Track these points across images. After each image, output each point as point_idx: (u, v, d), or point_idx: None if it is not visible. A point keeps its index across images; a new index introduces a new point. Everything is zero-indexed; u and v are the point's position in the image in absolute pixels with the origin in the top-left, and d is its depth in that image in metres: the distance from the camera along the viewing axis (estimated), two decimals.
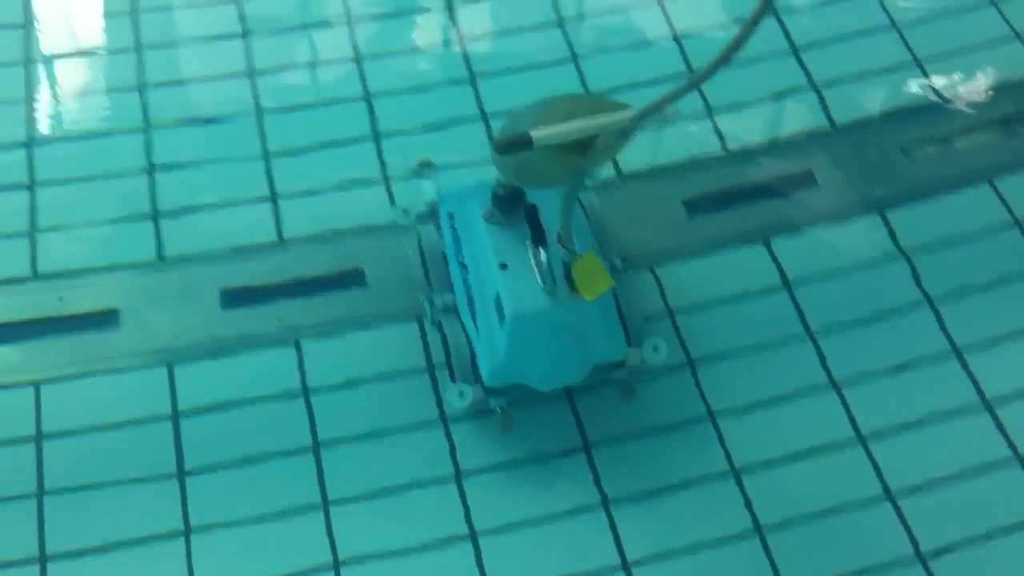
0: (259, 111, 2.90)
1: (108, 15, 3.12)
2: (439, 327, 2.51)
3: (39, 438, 2.36)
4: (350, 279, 2.64)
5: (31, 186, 2.74)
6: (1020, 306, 2.55)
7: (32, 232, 2.66)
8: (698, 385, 2.45)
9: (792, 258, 2.62)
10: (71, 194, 2.74)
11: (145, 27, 3.06)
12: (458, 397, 2.40)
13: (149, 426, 2.40)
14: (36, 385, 2.43)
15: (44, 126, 2.86)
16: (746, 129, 2.86)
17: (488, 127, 2.83)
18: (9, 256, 2.61)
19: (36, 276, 2.60)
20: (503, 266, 2.32)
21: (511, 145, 2.01)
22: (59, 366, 2.46)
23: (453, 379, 2.44)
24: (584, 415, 2.43)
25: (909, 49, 2.98)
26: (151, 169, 2.78)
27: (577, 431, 2.41)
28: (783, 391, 2.43)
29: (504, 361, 2.32)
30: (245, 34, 3.05)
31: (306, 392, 2.46)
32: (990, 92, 2.91)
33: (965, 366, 2.46)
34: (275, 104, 2.92)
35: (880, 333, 2.51)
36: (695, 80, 1.84)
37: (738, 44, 1.70)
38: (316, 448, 2.38)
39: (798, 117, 2.87)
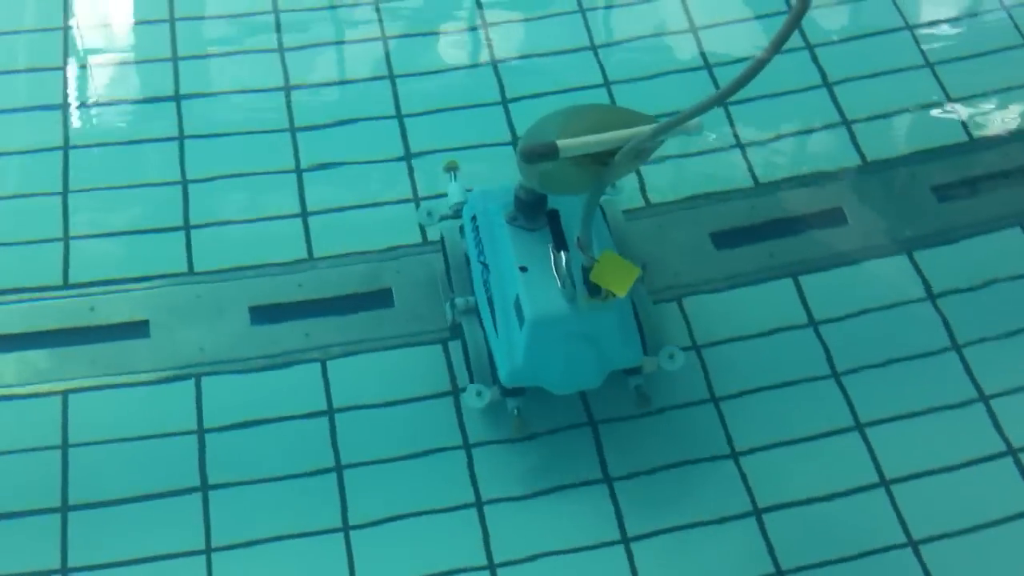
0: (292, 126, 2.93)
1: (143, 23, 3.17)
2: (459, 329, 2.52)
3: (65, 447, 2.38)
4: (378, 299, 2.66)
5: (64, 193, 2.76)
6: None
7: (65, 239, 2.68)
8: (722, 421, 2.46)
9: (819, 295, 2.63)
10: (104, 202, 2.77)
11: (181, 37, 3.10)
12: (475, 397, 2.41)
13: (174, 440, 2.42)
14: (64, 394, 2.46)
15: (80, 132, 2.88)
16: (777, 163, 2.87)
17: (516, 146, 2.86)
18: (42, 263, 2.64)
19: (67, 284, 2.62)
20: (523, 269, 2.33)
21: (537, 154, 2.06)
22: (88, 376, 2.49)
23: (471, 379, 2.44)
24: (607, 449, 2.44)
25: (942, 87, 2.99)
26: (184, 180, 2.80)
27: (599, 465, 2.42)
28: (807, 431, 2.43)
29: (522, 364, 2.32)
30: (280, 49, 3.09)
31: (331, 411, 2.48)
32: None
33: (991, 413, 2.45)
34: (308, 121, 2.94)
35: (906, 376, 2.51)
36: (717, 97, 1.87)
37: (760, 66, 1.74)
38: (339, 469, 2.39)
39: (829, 152, 2.88)
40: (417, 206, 2.77)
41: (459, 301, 2.51)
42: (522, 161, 2.11)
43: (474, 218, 2.50)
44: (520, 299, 2.30)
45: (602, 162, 2.08)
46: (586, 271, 2.21)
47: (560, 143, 2.04)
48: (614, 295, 2.20)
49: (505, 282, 2.37)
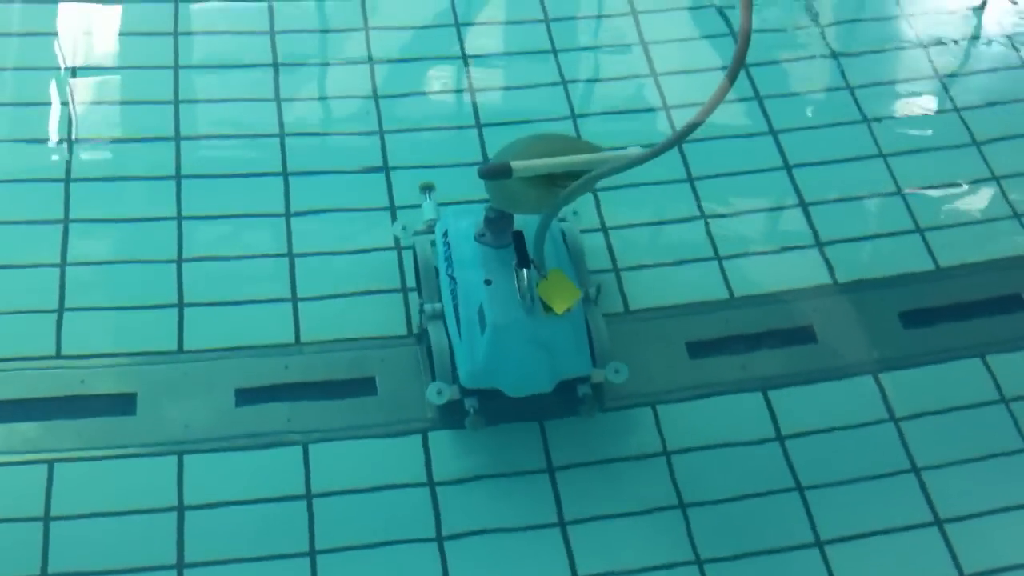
0: (288, 211, 3.03)
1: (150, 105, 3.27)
2: (424, 333, 2.73)
3: (47, 518, 2.43)
4: (362, 386, 2.73)
5: (62, 265, 2.83)
6: (1002, 482, 2.64)
7: (60, 311, 2.75)
8: (688, 530, 2.53)
9: (787, 410, 2.72)
10: (100, 276, 2.84)
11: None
12: (436, 395, 2.62)
13: (154, 516, 2.47)
14: (50, 464, 2.51)
15: (79, 206, 2.95)
16: (752, 277, 2.97)
17: None
18: (36, 333, 2.71)
19: (60, 355, 2.68)
20: (488, 282, 2.58)
21: (492, 172, 2.36)
22: (74, 447, 2.55)
23: (433, 378, 2.64)
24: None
25: (912, 216, 3.12)
26: (180, 259, 2.88)
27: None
28: (769, 544, 2.50)
29: (482, 366, 2.55)
30: (281, 134, 3.20)
31: (309, 496, 2.53)
32: (991, 267, 3.04)
33: (945, 537, 2.54)
34: (303, 207, 3.04)
35: (866, 495, 2.59)
36: (657, 149, 2.19)
37: (695, 125, 2.11)
38: (312, 553, 2.44)
39: (802, 271, 2.99)
40: (405, 298, 2.86)
41: (427, 307, 2.70)
42: (480, 178, 2.40)
43: (445, 234, 2.73)
44: (483, 308, 2.54)
45: (552, 185, 2.37)
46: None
47: (514, 164, 2.34)
48: (568, 310, 2.45)
49: (471, 293, 2.60)
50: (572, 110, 3.34)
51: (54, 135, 3.13)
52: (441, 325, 2.68)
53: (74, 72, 3.29)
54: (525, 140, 2.51)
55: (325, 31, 3.55)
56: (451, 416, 2.64)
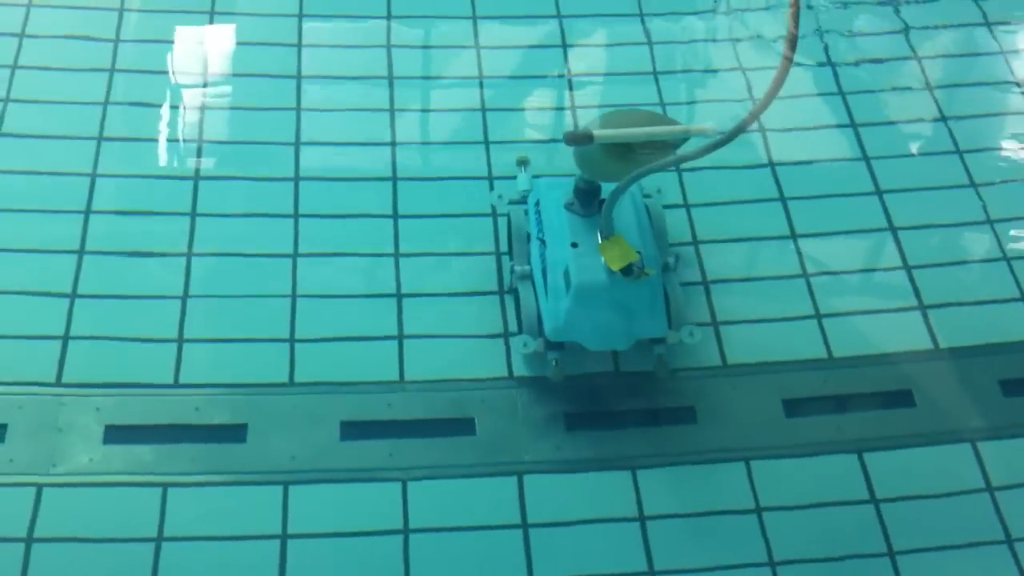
0: (397, 251, 3.13)
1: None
2: (514, 291, 2.99)
3: (159, 540, 2.55)
4: (461, 427, 2.81)
5: (184, 297, 2.97)
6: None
7: (180, 342, 2.89)
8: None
9: (882, 474, 2.72)
10: (220, 308, 2.97)
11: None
12: (523, 346, 2.89)
13: (259, 543, 2.58)
14: (164, 487, 2.64)
15: (203, 243, 3.09)
16: (851, 338, 2.98)
17: None
18: (157, 363, 2.84)
19: (178, 383, 2.82)
20: (574, 245, 2.82)
21: (576, 139, 2.63)
22: (187, 472, 2.66)
23: (520, 331, 2.91)
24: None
25: (1018, 284, 3.10)
26: (294, 295, 3.01)
27: None
28: None
29: (565, 322, 2.79)
30: (393, 177, 3.32)
31: (406, 531, 2.62)
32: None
33: None
34: (412, 248, 3.14)
35: (958, 563, 2.58)
36: (736, 131, 2.39)
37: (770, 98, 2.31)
38: None
39: (903, 334, 2.99)
40: (506, 343, 2.94)
41: (518, 268, 2.96)
42: (565, 144, 2.67)
43: (537, 203, 2.99)
44: (569, 269, 2.78)
45: (634, 155, 2.61)
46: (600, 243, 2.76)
47: (595, 132, 2.60)
48: (645, 274, 2.70)
49: (558, 255, 2.84)
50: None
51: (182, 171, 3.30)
52: (529, 285, 2.93)
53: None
54: (610, 113, 2.79)
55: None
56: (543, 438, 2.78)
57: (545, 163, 3.30)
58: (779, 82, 2.29)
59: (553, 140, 3.44)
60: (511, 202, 3.11)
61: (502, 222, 3.17)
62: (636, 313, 2.78)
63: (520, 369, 2.90)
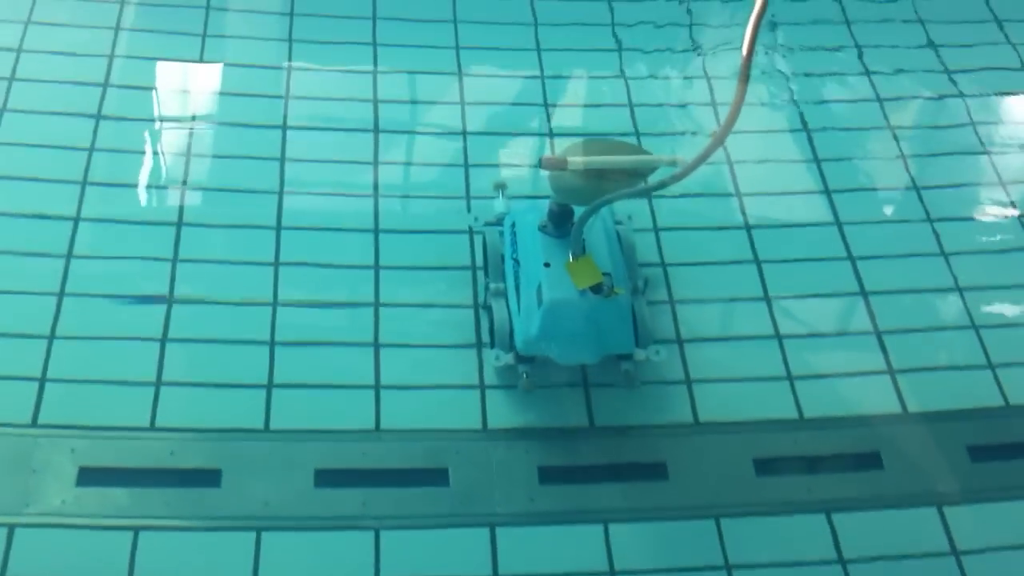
0: (377, 301, 3.17)
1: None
2: (488, 308, 3.10)
3: None
4: (435, 477, 2.83)
5: (163, 341, 2.99)
6: None
7: (157, 385, 2.90)
8: None
9: (850, 535, 2.75)
10: (198, 353, 2.98)
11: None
12: (495, 359, 3.02)
13: None
14: (136, 530, 2.63)
15: (185, 287, 3.12)
16: (821, 400, 3.03)
17: None
18: (133, 406, 2.85)
19: (154, 427, 2.83)
20: (547, 264, 2.96)
21: (551, 164, 2.80)
22: (160, 516, 2.66)
23: (493, 346, 3.04)
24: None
25: (985, 352, 3.16)
26: (272, 342, 3.03)
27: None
28: None
29: (536, 336, 2.93)
30: (377, 231, 3.36)
31: None
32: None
33: None
34: (391, 299, 3.17)
35: None
36: (695, 162, 2.54)
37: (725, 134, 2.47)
38: None
39: (872, 397, 3.04)
40: (482, 396, 2.97)
41: (492, 286, 3.12)
42: (541, 168, 2.83)
43: (513, 224, 3.15)
44: (542, 286, 2.92)
45: (606, 181, 2.76)
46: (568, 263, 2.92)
47: (569, 158, 2.77)
48: (615, 293, 2.85)
49: (531, 274, 2.99)
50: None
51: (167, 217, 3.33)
52: (503, 302, 3.08)
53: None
54: (586, 141, 2.93)
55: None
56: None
57: (524, 188, 3.46)
58: (735, 111, 2.43)
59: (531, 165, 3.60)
60: (487, 223, 3.26)
61: (480, 276, 3.22)
62: (605, 330, 2.93)
63: (495, 422, 2.93)
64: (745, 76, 2.37)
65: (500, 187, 3.35)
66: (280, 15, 3.97)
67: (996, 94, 3.98)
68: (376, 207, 3.40)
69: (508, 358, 3.00)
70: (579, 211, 2.88)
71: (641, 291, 3.11)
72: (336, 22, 3.99)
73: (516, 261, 3.06)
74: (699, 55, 4.00)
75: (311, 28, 3.93)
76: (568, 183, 2.82)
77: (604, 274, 2.87)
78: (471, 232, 3.23)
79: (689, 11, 4.16)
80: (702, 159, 2.53)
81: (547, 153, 3.58)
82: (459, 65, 3.87)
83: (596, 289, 2.84)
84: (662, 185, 2.63)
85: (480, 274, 3.21)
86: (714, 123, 3.72)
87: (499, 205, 3.30)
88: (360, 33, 3.96)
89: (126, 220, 3.28)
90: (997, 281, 3.36)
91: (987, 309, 3.27)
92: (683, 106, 3.84)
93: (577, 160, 2.76)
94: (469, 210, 3.40)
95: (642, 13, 4.14)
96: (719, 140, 2.50)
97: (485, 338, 3.10)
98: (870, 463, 2.91)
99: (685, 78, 3.93)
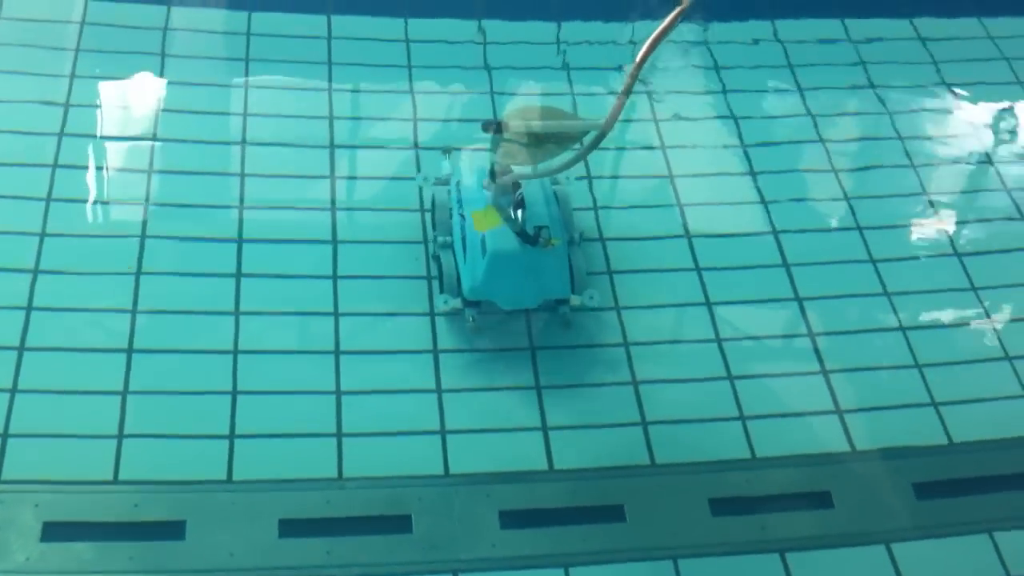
0: (337, 349, 3.21)
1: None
2: (437, 259, 3.40)
3: None
4: (398, 524, 2.86)
5: (124, 393, 3.00)
6: None
7: (119, 437, 2.91)
8: None
9: (804, 574, 2.83)
10: (159, 405, 3.00)
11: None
12: (443, 304, 3.30)
13: None
14: None
15: (144, 338, 3.14)
16: (774, 439, 3.11)
17: None
18: (96, 459, 2.86)
19: (117, 480, 2.84)
20: None
21: (491, 127, 3.09)
22: (125, 571, 2.67)
23: (441, 291, 3.32)
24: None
25: (928, 391, 3.26)
26: (234, 391, 3.05)
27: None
28: None
29: (481, 283, 3.23)
30: (334, 276, 3.40)
31: None
32: (1001, 445, 3.16)
33: None
34: (352, 346, 3.22)
35: None
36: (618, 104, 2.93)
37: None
38: None
39: (822, 437, 3.13)
40: (443, 440, 3.02)
41: (440, 239, 3.42)
42: (481, 131, 3.12)
43: (458, 182, 3.46)
44: (485, 239, 3.21)
45: (541, 144, 3.03)
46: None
47: (508, 122, 3.05)
48: (551, 244, 3.14)
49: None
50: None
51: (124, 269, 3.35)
52: (450, 252, 3.38)
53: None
54: (526, 106, 3.29)
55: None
56: None
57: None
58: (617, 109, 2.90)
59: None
60: (435, 183, 3.59)
61: (440, 320, 3.29)
62: (544, 277, 3.25)
63: (457, 467, 2.98)
64: (628, 88, 2.86)
65: (447, 151, 3.67)
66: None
67: (922, 110, 4.20)
68: (335, 256, 3.46)
69: (456, 302, 3.29)
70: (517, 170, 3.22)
71: (576, 243, 3.42)
72: (292, 41, 4.15)
73: (462, 216, 3.34)
74: (647, 94, 4.12)
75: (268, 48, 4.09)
76: (507, 145, 3.09)
77: (542, 227, 3.16)
78: (439, 388, 3.19)
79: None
80: (612, 120, 2.94)
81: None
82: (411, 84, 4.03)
83: (533, 240, 3.14)
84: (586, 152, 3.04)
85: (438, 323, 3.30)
86: (663, 165, 3.86)
87: (446, 167, 3.62)
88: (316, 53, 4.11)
89: (83, 272, 3.28)
90: (940, 320, 3.48)
91: (928, 349, 3.38)
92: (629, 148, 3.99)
93: (514, 124, 3.05)
94: (419, 170, 3.72)
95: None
96: (608, 125, 2.92)
97: (446, 383, 3.16)
98: (821, 502, 2.99)
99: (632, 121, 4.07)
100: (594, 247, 3.55)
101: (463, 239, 3.32)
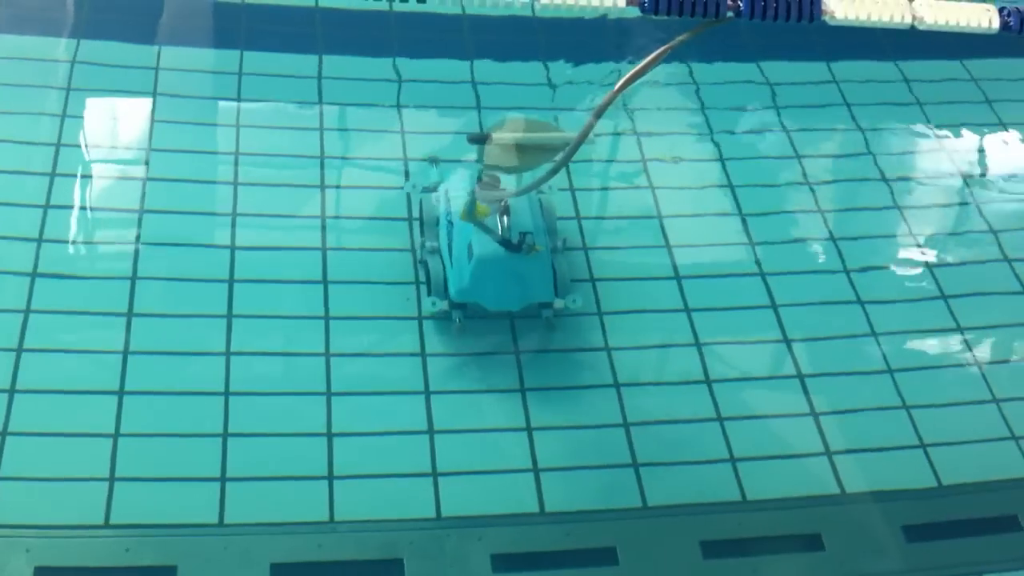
0: (329, 390, 3.20)
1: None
2: (424, 263, 3.50)
3: None
4: (390, 569, 2.85)
5: (115, 436, 2.99)
6: None
7: (111, 481, 2.89)
8: None
9: None
10: (151, 447, 2.99)
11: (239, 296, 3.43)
12: (431, 305, 3.41)
13: None
14: None
15: (136, 380, 3.13)
16: (764, 482, 3.12)
17: None
18: (87, 503, 2.83)
19: (107, 524, 2.82)
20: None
21: (477, 139, 3.30)
22: None
23: (429, 294, 3.42)
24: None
25: (917, 432, 3.28)
26: (225, 433, 3.05)
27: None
28: None
29: (468, 286, 3.35)
30: (327, 317, 3.41)
31: None
32: (989, 488, 3.19)
33: None
34: (343, 388, 3.22)
35: None
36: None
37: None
38: None
39: (811, 479, 3.14)
40: (435, 483, 3.02)
41: (428, 244, 3.55)
42: (467, 142, 3.37)
43: (447, 191, 3.60)
44: (472, 244, 3.33)
45: (525, 155, 3.21)
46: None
47: (494, 134, 3.23)
48: (536, 250, 3.31)
49: (463, 233, 3.40)
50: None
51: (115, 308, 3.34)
52: (438, 257, 3.50)
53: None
54: (512, 119, 3.33)
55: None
56: None
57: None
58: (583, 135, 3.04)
59: None
60: (424, 190, 3.71)
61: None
62: (528, 281, 3.38)
63: (448, 509, 2.97)
64: (602, 110, 2.98)
65: (434, 160, 3.83)
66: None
67: (906, 152, 4.28)
68: (326, 293, 3.47)
69: (443, 304, 3.40)
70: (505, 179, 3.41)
71: (560, 249, 3.55)
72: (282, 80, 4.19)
73: (450, 222, 3.47)
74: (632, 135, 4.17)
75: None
76: (493, 156, 3.25)
77: (526, 233, 3.31)
78: (431, 428, 3.20)
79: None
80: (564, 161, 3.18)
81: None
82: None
83: (518, 246, 3.28)
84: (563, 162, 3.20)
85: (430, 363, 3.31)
86: (651, 205, 3.92)
87: (433, 175, 3.77)
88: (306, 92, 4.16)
89: (73, 312, 3.28)
90: (927, 362, 3.51)
91: (915, 391, 3.39)
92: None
93: (500, 135, 3.23)
94: (407, 179, 3.85)
95: None
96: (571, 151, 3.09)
97: (438, 424, 3.15)
98: (812, 545, 2.99)
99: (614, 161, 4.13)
100: (577, 256, 3.67)
101: (450, 245, 3.45)
